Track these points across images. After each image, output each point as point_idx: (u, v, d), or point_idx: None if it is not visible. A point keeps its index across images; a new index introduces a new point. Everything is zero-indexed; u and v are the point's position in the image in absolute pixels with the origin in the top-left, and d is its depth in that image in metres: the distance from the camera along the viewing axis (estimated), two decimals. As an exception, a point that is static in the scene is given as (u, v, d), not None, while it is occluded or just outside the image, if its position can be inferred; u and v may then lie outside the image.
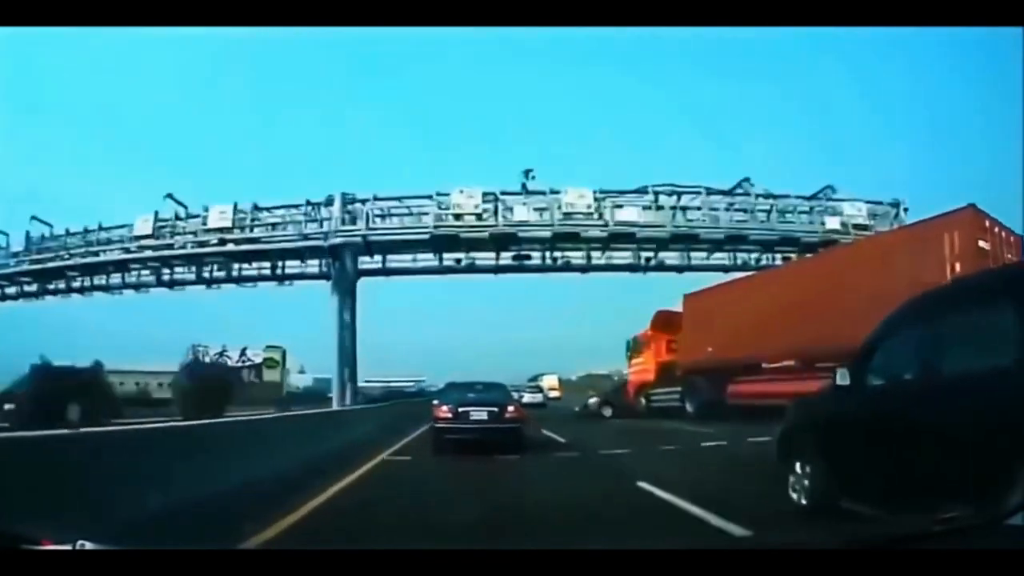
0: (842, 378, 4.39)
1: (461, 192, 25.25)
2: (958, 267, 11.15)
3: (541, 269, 27.45)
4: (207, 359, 45.38)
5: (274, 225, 26.77)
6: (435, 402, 10.79)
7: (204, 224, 26.35)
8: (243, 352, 49.10)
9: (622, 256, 27.13)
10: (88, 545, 1.43)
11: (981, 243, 11.45)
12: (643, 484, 6.37)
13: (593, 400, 23.62)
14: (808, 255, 16.75)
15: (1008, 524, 1.73)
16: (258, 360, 50.09)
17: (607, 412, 21.92)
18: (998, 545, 1.57)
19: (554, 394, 44.77)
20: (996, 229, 12.05)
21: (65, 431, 6.49)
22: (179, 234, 26.85)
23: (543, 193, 25.45)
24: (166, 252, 27.10)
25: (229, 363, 45.84)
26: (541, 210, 25.37)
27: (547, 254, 26.87)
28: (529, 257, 26.85)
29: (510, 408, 10.23)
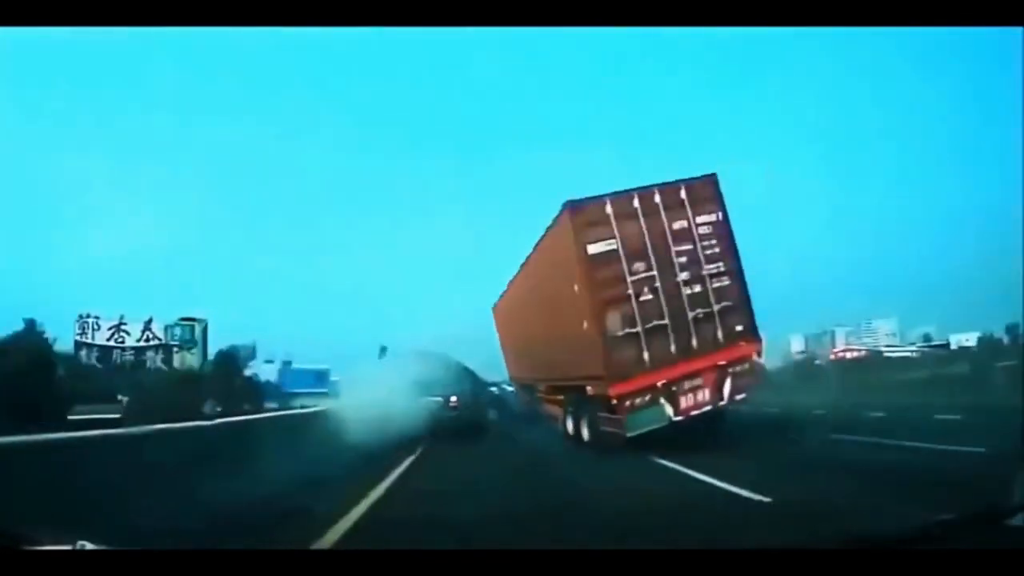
0: None
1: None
2: (577, 276, 8.43)
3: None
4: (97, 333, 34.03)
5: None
6: None
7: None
8: (147, 325, 36.51)
9: None
10: (88, 545, 1.43)
11: (591, 247, 8.20)
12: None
13: None
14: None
15: (1008, 524, 1.74)
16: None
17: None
18: (998, 545, 1.58)
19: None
20: (637, 203, 8.39)
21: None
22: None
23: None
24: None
25: (127, 340, 35.91)
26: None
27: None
28: None
29: (452, 399, 13.76)
